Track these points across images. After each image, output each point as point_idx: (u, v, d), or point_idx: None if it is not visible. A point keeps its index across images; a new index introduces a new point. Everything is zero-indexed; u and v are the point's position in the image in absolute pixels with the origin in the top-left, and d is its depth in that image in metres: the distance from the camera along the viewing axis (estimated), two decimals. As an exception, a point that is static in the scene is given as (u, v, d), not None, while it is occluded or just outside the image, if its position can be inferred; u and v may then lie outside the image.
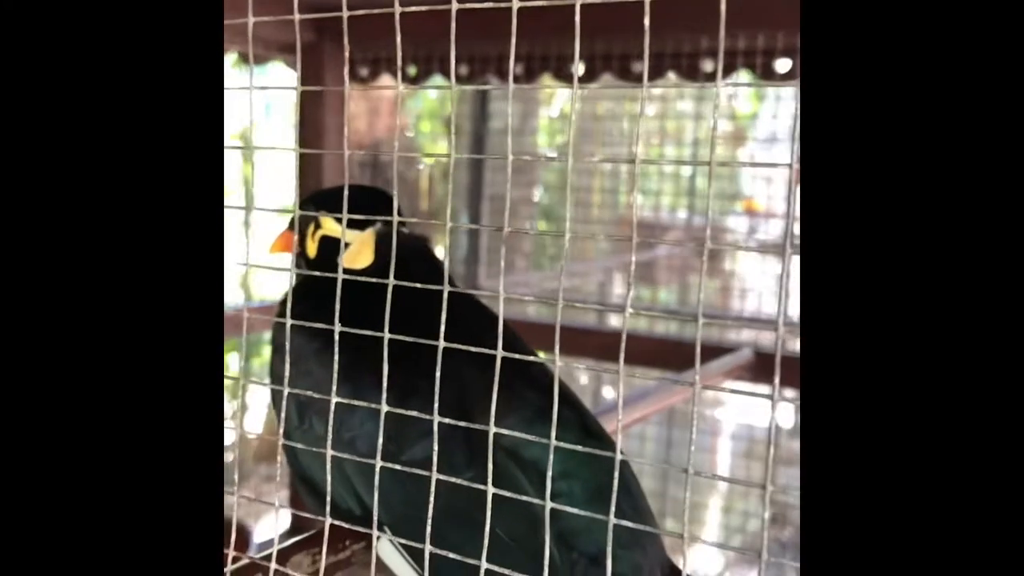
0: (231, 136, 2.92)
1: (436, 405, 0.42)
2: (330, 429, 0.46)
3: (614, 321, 2.29)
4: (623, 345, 0.36)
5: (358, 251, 0.69)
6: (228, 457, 2.61)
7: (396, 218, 0.44)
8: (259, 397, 2.68)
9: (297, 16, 0.41)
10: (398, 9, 0.39)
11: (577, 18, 0.33)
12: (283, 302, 0.64)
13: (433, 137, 2.47)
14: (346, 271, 0.66)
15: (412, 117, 2.34)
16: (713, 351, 1.30)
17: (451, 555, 0.41)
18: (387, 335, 0.42)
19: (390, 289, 0.42)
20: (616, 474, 0.38)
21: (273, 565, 0.45)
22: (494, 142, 2.09)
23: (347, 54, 0.40)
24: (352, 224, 0.68)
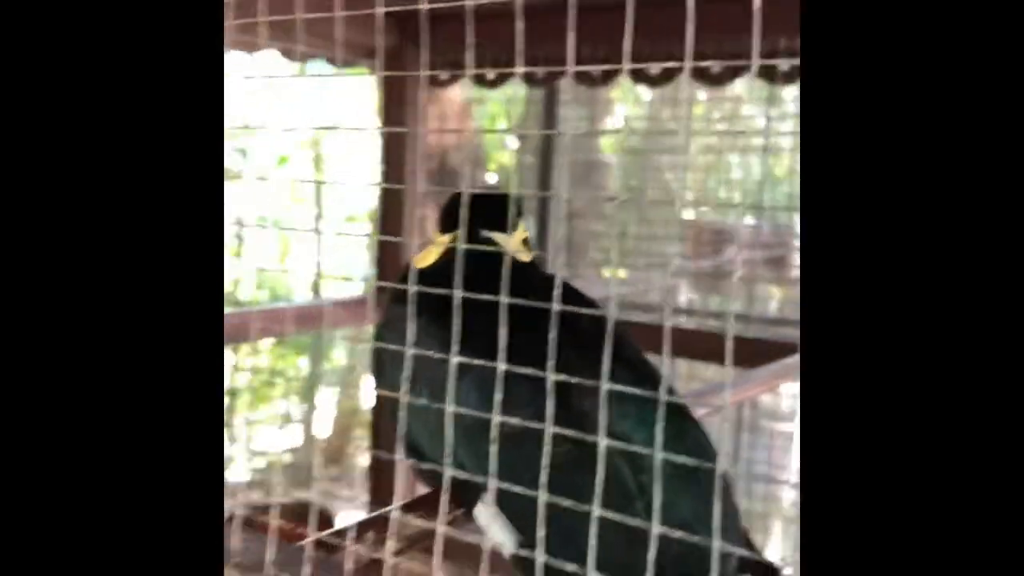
0: (301, 144, 2.94)
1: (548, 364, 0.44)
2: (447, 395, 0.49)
3: (681, 320, 2.29)
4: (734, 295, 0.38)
5: (428, 251, 0.71)
6: (295, 457, 2.66)
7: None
8: (326, 399, 2.73)
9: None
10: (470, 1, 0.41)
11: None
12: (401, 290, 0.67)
13: (501, 142, 2.50)
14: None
15: (480, 122, 2.37)
16: (784, 349, 1.29)
17: (566, 502, 0.43)
18: (504, 299, 0.45)
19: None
20: (725, 440, 0.40)
21: (396, 515, 0.47)
22: (561, 147, 2.12)
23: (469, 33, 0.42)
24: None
